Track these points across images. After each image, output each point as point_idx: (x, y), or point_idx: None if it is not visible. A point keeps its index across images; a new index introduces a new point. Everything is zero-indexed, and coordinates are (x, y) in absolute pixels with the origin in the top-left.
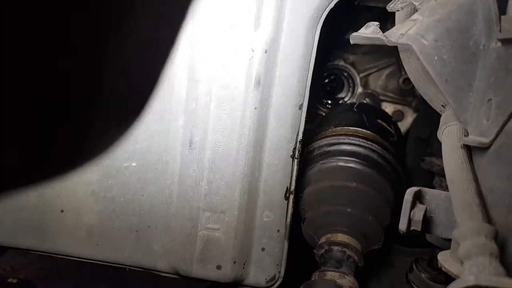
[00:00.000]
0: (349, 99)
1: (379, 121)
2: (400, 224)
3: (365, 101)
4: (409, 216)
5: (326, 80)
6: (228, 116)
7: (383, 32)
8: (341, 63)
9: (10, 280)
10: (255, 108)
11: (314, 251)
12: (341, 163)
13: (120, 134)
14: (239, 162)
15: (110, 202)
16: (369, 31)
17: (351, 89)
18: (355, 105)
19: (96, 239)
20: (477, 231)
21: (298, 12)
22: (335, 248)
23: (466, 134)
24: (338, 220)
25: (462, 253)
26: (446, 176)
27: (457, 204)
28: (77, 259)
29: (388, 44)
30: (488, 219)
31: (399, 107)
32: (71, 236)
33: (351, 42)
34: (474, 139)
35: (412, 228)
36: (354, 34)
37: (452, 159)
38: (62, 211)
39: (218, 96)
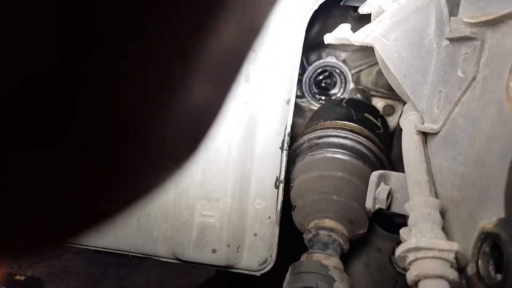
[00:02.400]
0: (341, 95)
1: (367, 115)
2: (366, 203)
3: (356, 97)
4: (374, 195)
5: (321, 77)
6: None
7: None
8: (333, 60)
9: (17, 277)
10: (245, 103)
11: (303, 235)
12: (329, 154)
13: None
14: (231, 153)
15: None
16: (340, 32)
17: (343, 85)
18: (344, 100)
19: (99, 228)
20: (423, 204)
21: (284, 13)
22: (322, 232)
23: (423, 122)
24: (325, 207)
25: (411, 222)
26: (403, 159)
27: (410, 182)
28: (83, 246)
29: (355, 44)
30: (436, 194)
31: (389, 102)
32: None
33: (325, 42)
34: (426, 126)
35: (377, 206)
36: (327, 34)
37: (408, 143)
38: None
39: None
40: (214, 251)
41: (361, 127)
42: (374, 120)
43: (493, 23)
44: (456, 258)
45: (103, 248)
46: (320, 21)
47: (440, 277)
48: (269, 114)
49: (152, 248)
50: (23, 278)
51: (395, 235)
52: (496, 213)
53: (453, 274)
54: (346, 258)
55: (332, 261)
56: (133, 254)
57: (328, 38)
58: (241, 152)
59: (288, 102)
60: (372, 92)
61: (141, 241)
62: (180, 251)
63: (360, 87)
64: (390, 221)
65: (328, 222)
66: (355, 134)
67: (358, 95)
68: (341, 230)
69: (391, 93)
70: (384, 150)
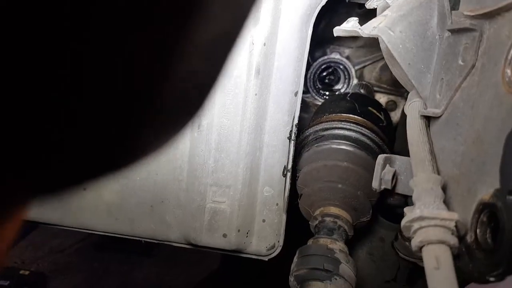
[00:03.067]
0: (345, 90)
1: (370, 108)
2: (373, 183)
3: (360, 92)
4: (380, 176)
5: (325, 73)
6: (232, 102)
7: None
8: (337, 56)
9: (22, 272)
10: (256, 94)
11: (309, 222)
12: (334, 146)
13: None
14: (242, 142)
15: (127, 181)
16: (349, 25)
17: (347, 81)
18: (348, 95)
19: (115, 214)
20: (426, 180)
21: (292, 9)
22: (328, 219)
23: (426, 108)
24: (331, 195)
25: (415, 196)
26: (408, 141)
27: (414, 161)
28: (98, 232)
29: (363, 36)
30: (438, 172)
31: (392, 97)
32: (92, 211)
33: (334, 34)
34: (429, 110)
35: (383, 187)
36: (336, 27)
37: (412, 127)
38: (84, 189)
39: (223, 84)
40: (225, 235)
41: (364, 120)
42: (377, 114)
43: (490, 15)
44: (456, 226)
45: (117, 233)
46: (326, 18)
47: (442, 242)
48: (278, 105)
49: (164, 233)
50: (27, 272)
51: (397, 225)
52: (493, 185)
53: (453, 240)
54: (350, 246)
55: (337, 245)
56: (146, 240)
57: (337, 31)
58: (251, 142)
59: (296, 94)
60: (375, 88)
61: (154, 226)
62: (192, 235)
63: (364, 82)
64: (393, 212)
65: (333, 209)
66: (359, 126)
67: (362, 90)
68: (346, 217)
69: (393, 89)
70: (387, 142)
